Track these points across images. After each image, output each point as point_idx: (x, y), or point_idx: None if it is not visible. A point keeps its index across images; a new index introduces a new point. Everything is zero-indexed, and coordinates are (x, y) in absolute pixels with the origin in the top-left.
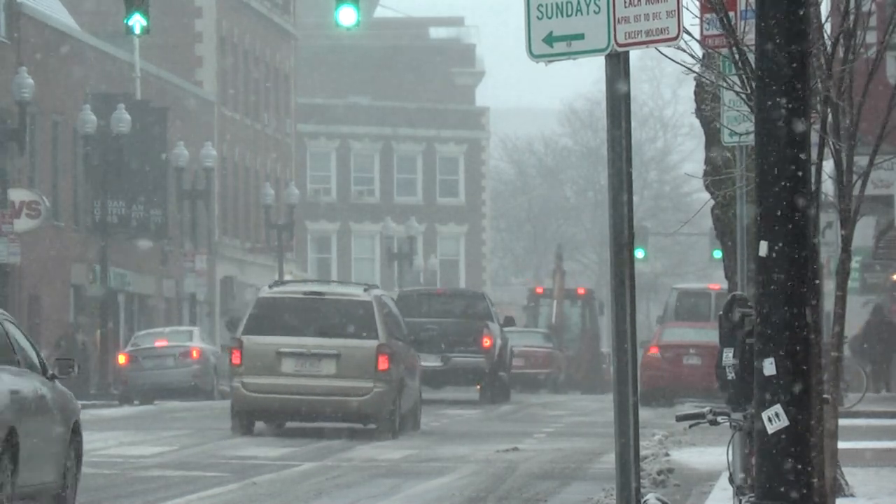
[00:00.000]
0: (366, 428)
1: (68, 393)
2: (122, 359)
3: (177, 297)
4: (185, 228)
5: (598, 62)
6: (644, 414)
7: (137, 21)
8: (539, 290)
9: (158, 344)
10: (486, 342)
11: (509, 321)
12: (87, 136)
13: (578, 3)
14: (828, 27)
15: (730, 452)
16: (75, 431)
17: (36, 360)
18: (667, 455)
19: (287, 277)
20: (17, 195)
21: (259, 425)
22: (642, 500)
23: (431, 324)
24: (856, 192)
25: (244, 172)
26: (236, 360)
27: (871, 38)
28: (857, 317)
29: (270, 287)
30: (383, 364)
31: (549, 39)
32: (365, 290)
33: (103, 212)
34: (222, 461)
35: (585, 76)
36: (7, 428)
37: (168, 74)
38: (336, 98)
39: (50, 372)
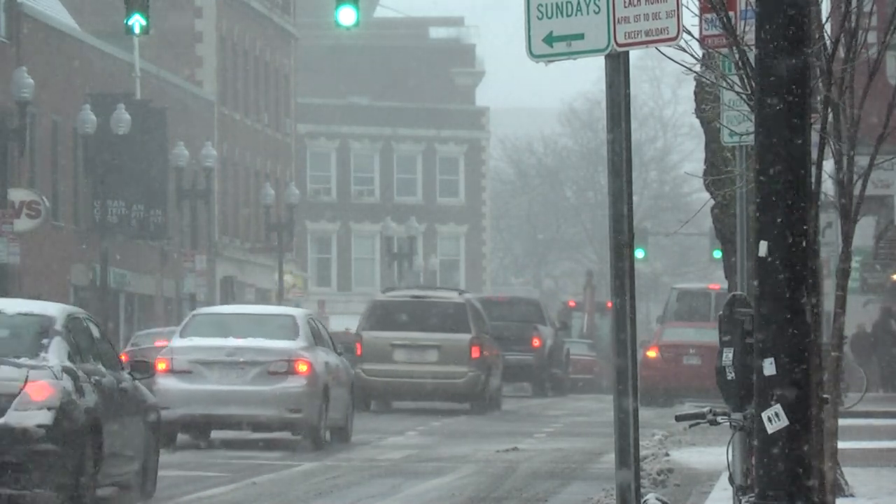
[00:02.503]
0: (460, 406)
1: (348, 364)
2: (122, 359)
3: (177, 297)
4: (185, 228)
5: (598, 62)
6: (644, 414)
7: (137, 21)
8: (572, 303)
9: (158, 344)
10: (536, 342)
11: (564, 325)
12: (87, 136)
13: (578, 3)
14: (828, 27)
15: (730, 452)
16: (351, 389)
17: (330, 343)
18: (667, 455)
19: (287, 277)
20: (17, 195)
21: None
22: (642, 500)
23: (490, 326)
24: (856, 192)
25: (244, 172)
26: (358, 351)
27: (872, 38)
28: (857, 317)
29: (383, 292)
30: (475, 353)
31: (549, 39)
32: (459, 294)
33: (103, 212)
34: (222, 461)
35: (585, 76)
36: (324, 384)
37: (168, 74)
38: (336, 98)
39: (338, 350)
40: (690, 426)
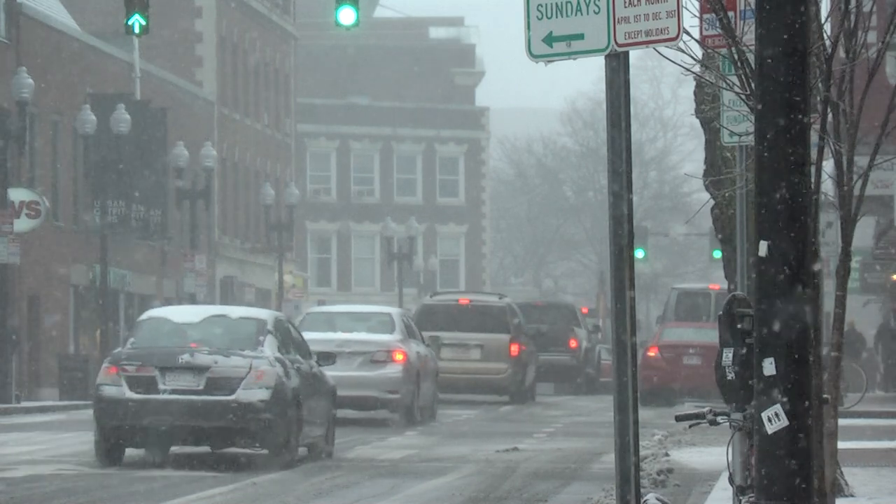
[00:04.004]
0: (500, 399)
1: (434, 355)
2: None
3: (177, 297)
4: (185, 228)
5: (599, 62)
6: (644, 414)
7: (137, 21)
8: (584, 310)
9: None
10: (573, 343)
11: (596, 329)
12: (87, 136)
13: (578, 3)
14: (828, 27)
15: (730, 452)
16: (436, 375)
17: (419, 337)
18: (667, 455)
19: (287, 277)
20: (17, 195)
21: None
22: (642, 500)
23: (530, 328)
24: (856, 192)
25: (244, 172)
26: None
27: (872, 38)
28: (851, 316)
29: (430, 297)
30: (514, 351)
31: (549, 39)
32: (499, 298)
33: (103, 212)
34: (222, 461)
35: (586, 76)
36: (416, 371)
37: (168, 74)
38: (336, 98)
39: (426, 343)
40: (690, 426)
